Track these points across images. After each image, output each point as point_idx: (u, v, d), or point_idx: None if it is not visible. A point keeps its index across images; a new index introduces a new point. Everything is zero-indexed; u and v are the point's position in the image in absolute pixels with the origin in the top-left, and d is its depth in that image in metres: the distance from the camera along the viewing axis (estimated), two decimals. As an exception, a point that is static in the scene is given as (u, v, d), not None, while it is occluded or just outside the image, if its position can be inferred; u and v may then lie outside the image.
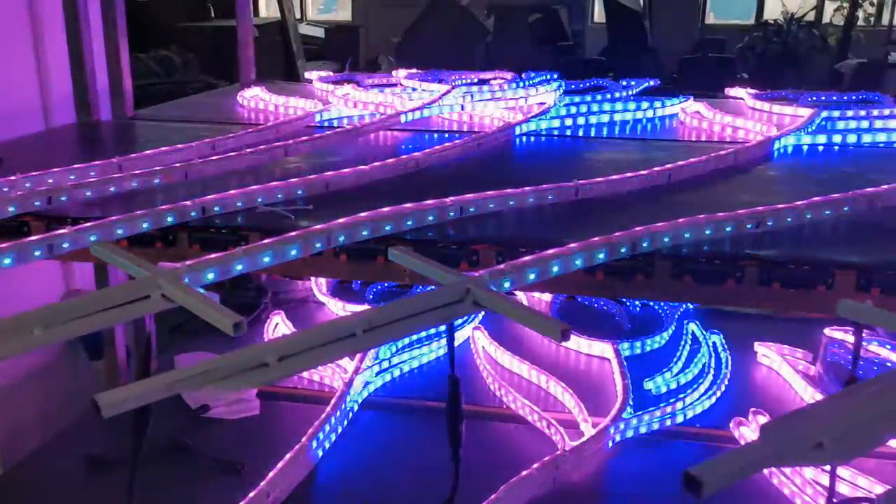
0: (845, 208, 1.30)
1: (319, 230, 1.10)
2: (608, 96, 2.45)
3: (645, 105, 2.40)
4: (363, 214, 1.17)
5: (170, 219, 1.18)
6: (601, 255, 1.09)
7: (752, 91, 2.72)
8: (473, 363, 2.50)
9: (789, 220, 1.26)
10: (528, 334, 2.79)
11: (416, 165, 1.60)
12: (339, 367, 2.32)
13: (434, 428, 2.12)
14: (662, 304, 2.95)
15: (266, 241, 1.05)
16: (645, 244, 1.13)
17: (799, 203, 1.28)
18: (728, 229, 1.21)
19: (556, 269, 1.04)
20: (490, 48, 8.67)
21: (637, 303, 3.02)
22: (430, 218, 1.23)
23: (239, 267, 0.99)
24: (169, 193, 1.34)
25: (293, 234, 1.08)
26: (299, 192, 1.35)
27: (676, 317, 2.80)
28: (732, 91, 2.80)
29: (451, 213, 1.25)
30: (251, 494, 1.67)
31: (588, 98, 2.38)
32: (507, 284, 0.99)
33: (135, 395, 0.74)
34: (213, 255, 0.98)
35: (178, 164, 1.46)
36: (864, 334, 2.50)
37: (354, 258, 1.16)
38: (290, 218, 1.23)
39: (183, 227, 1.20)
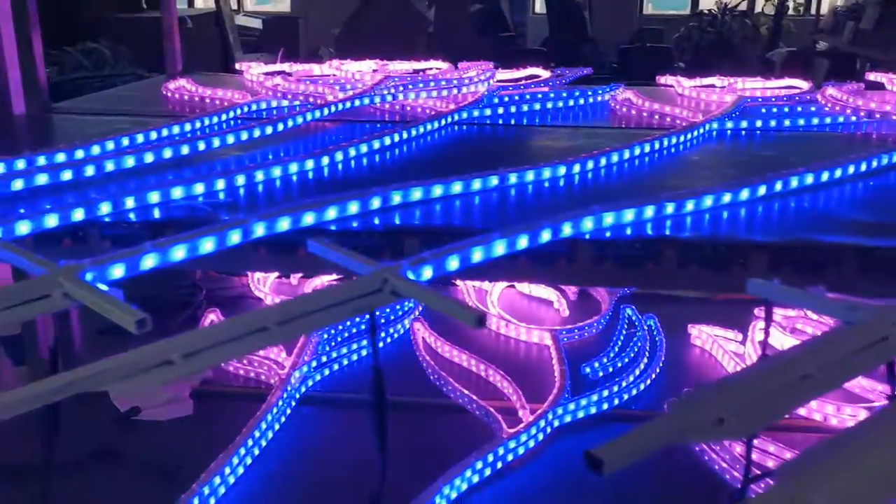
0: (761, 190, 1.33)
1: (236, 223, 1.08)
2: (541, 86, 2.46)
3: (577, 94, 2.42)
4: (283, 206, 1.15)
5: (79, 215, 1.13)
6: (523, 242, 1.10)
7: (683, 79, 2.77)
8: (414, 355, 2.50)
9: (709, 202, 1.28)
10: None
11: (343, 156, 1.58)
12: (276, 364, 2.29)
13: (360, 420, 2.11)
14: (599, 288, 2.99)
15: (178, 235, 1.02)
16: (567, 230, 1.14)
17: (717, 186, 1.30)
18: (649, 213, 1.22)
19: (477, 256, 1.04)
20: (431, 38, 8.65)
21: (575, 289, 3.05)
22: (355, 208, 1.21)
23: (149, 262, 0.96)
24: (79, 189, 1.30)
25: (207, 227, 1.06)
26: (219, 184, 1.31)
27: (613, 302, 2.84)
28: (663, 79, 2.84)
29: (377, 204, 1.24)
30: (183, 496, 1.63)
31: (521, 87, 2.39)
32: (427, 273, 0.98)
33: (30, 396, 0.70)
34: (119, 251, 0.95)
35: (90, 158, 1.41)
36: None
37: (274, 251, 1.14)
38: (208, 211, 1.20)
39: (93, 224, 1.16)
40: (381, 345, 2.55)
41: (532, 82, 2.68)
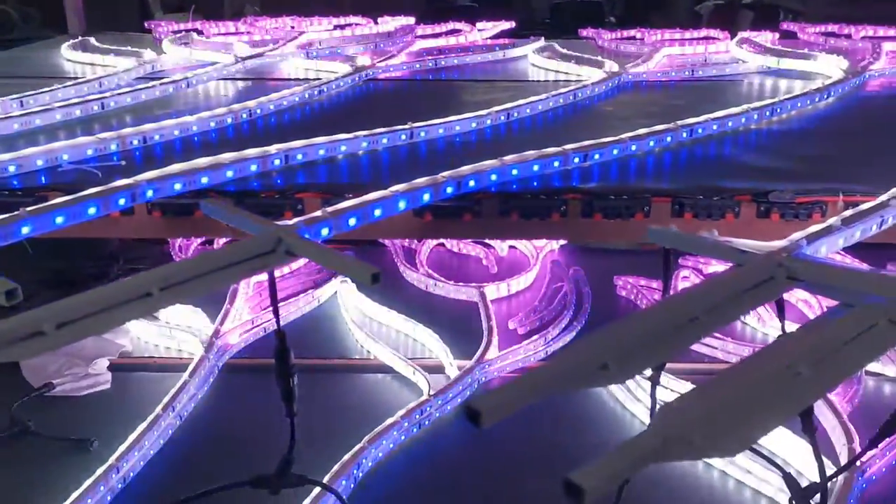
0: (668, 139, 1.34)
1: (123, 185, 1.02)
2: (461, 39, 2.43)
3: (497, 49, 2.40)
4: (175, 166, 1.10)
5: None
6: (426, 196, 1.08)
7: (604, 32, 2.77)
8: (340, 316, 2.47)
9: (615, 152, 1.28)
10: (398, 283, 2.79)
11: (249, 115, 1.52)
12: (198, 333, 2.24)
13: (301, 386, 2.09)
14: (528, 244, 3.01)
15: (59, 199, 0.96)
16: (472, 183, 1.12)
17: (624, 136, 1.30)
18: (556, 164, 1.21)
19: (378, 212, 1.01)
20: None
21: (504, 245, 3.06)
22: (253, 167, 1.17)
23: (25, 230, 0.91)
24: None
25: (92, 190, 1.00)
26: (113, 146, 1.25)
27: (541, 257, 2.86)
28: (585, 32, 2.84)
29: (276, 162, 1.20)
30: (98, 471, 1.59)
31: (441, 42, 2.35)
32: (325, 231, 0.96)
33: None
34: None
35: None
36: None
37: (169, 214, 1.09)
38: (97, 175, 1.14)
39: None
40: (307, 308, 2.52)
41: (454, 37, 2.64)
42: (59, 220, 0.93)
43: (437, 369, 2.08)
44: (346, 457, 1.66)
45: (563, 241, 3.03)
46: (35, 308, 0.73)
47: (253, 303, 2.48)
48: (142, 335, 2.31)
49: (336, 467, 1.61)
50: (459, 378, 1.98)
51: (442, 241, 3.12)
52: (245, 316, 2.38)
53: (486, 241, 3.07)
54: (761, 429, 0.63)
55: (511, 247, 3.09)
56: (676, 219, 1.10)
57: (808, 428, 0.91)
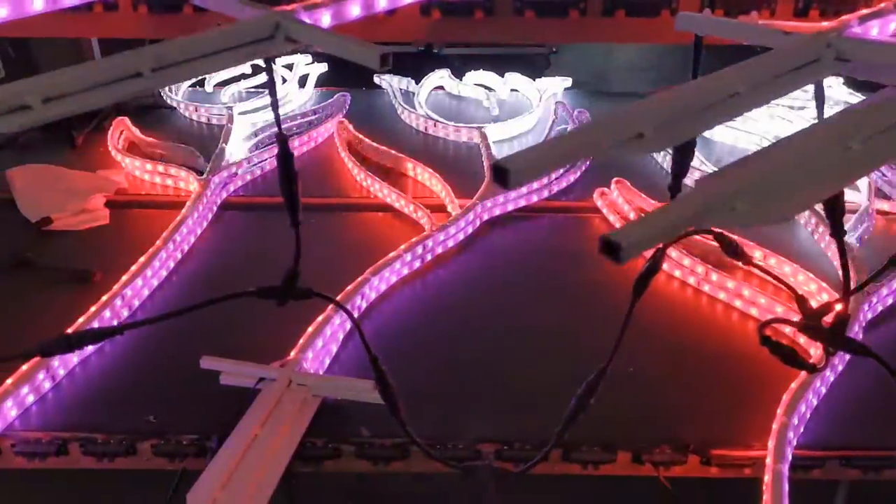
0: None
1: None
2: None
3: None
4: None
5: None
6: (437, -11, 0.99)
7: None
8: (338, 156, 2.41)
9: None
10: (395, 125, 2.71)
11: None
12: (195, 170, 2.19)
13: (284, 223, 2.06)
14: (531, 87, 2.90)
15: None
16: (486, -23, 1.03)
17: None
18: (575, -38, 1.12)
19: (383, 2, 0.93)
20: None
21: (506, 88, 2.96)
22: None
23: (-1, 13, 0.83)
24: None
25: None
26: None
27: (545, 98, 2.77)
28: None
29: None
30: (104, 298, 1.58)
31: None
32: (326, 19, 0.88)
33: None
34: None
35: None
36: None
37: (157, 8, 1.00)
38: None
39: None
40: (304, 148, 2.46)
41: None
42: (36, 4, 0.85)
43: (439, 209, 2.05)
44: (349, 287, 1.65)
45: (567, 85, 2.92)
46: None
47: (248, 142, 2.41)
48: (137, 172, 2.25)
49: (339, 297, 1.60)
50: (461, 215, 1.95)
51: (441, 84, 3.01)
52: (241, 154, 2.32)
53: (488, 83, 2.96)
54: (806, 199, 0.59)
55: (513, 90, 2.99)
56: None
57: (838, 229, 0.88)
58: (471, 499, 1.19)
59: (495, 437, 1.32)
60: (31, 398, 1.35)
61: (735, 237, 1.27)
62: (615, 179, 2.12)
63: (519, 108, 2.79)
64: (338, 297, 1.59)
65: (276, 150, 2.32)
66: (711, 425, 1.34)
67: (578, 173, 2.27)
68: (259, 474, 1.16)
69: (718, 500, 1.30)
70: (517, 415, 1.38)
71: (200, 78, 3.04)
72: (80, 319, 1.51)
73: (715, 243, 1.27)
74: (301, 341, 1.47)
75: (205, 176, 2.11)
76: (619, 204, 2.06)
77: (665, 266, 1.77)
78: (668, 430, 1.32)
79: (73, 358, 1.45)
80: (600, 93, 2.96)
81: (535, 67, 3.26)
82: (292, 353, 1.43)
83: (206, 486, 1.12)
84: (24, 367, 1.35)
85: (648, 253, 1.18)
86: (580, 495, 1.41)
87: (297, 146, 2.44)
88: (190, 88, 2.97)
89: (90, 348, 1.48)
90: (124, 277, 1.65)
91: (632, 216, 1.99)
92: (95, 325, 1.50)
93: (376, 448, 1.32)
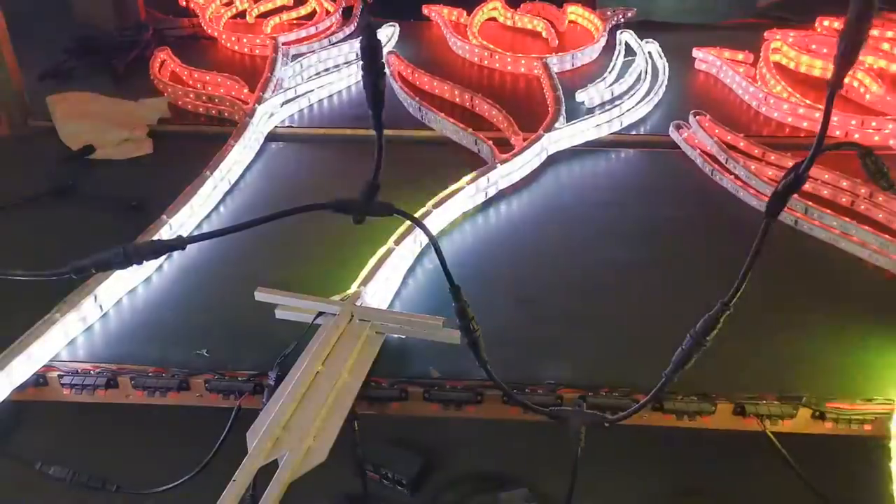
0: None
1: None
2: None
3: None
4: None
5: None
6: None
7: None
8: (390, 88, 2.27)
9: None
10: (446, 57, 2.56)
11: None
12: (239, 100, 2.06)
13: (346, 154, 1.94)
14: (592, 17, 2.72)
15: None
16: None
17: None
18: None
19: None
20: None
21: (564, 20, 2.78)
22: None
23: None
24: None
25: None
26: None
27: (607, 28, 2.59)
28: None
29: None
30: (151, 226, 1.48)
31: None
32: None
33: None
34: None
35: None
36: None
37: None
38: None
39: None
40: (352, 79, 2.31)
41: None
42: None
43: (501, 142, 1.90)
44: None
45: (630, 14, 2.74)
46: None
47: (293, 72, 2.28)
48: (181, 102, 2.14)
49: (400, 229, 1.48)
50: (526, 146, 1.81)
51: (493, 16, 2.84)
52: (287, 84, 2.19)
53: (544, 14, 2.78)
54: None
55: (571, 21, 2.81)
56: None
57: None
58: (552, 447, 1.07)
59: (576, 383, 1.19)
60: (77, 328, 1.25)
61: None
62: (694, 112, 1.95)
63: (578, 38, 2.62)
64: (399, 230, 1.47)
65: (329, 77, 2.23)
66: (825, 376, 1.20)
67: (651, 105, 2.10)
68: (322, 414, 1.06)
69: (833, 460, 1.16)
70: (598, 358, 1.26)
71: (242, 9, 2.91)
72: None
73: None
74: (362, 273, 1.35)
75: (251, 106, 1.98)
76: (699, 138, 1.89)
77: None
78: (775, 381, 1.18)
79: (120, 287, 1.35)
80: (664, 24, 2.75)
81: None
82: (353, 287, 1.32)
83: (267, 424, 1.01)
84: (71, 295, 1.26)
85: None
86: (672, 449, 1.29)
87: (345, 76, 2.30)
88: (231, 20, 2.84)
89: (142, 272, 1.38)
90: (171, 206, 1.54)
91: (715, 151, 1.82)
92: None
93: (447, 391, 1.20)
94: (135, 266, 0.92)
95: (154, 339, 1.28)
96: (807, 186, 1.67)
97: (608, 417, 1.01)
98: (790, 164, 1.69)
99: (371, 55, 0.85)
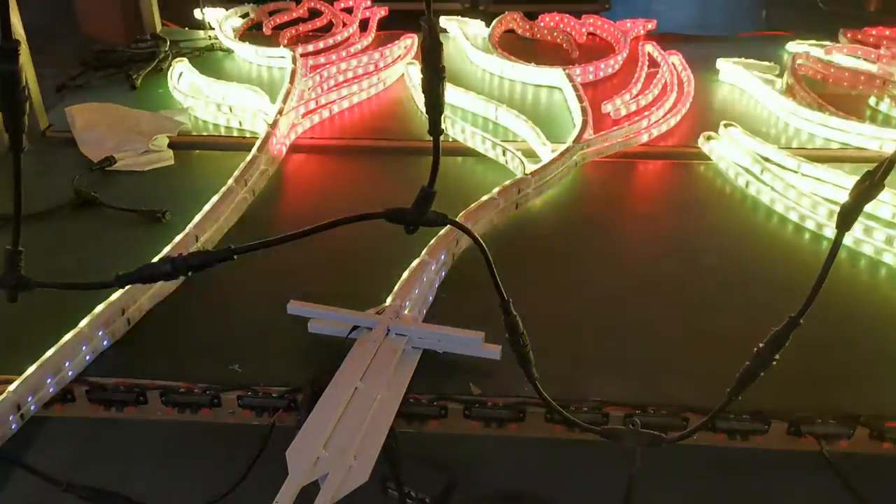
0: None
1: None
2: None
3: None
4: None
5: None
6: None
7: None
8: (411, 99, 2.25)
9: None
10: (465, 68, 2.53)
11: None
12: (261, 112, 2.03)
13: (371, 164, 1.91)
14: (613, 29, 2.70)
15: None
16: None
17: None
18: None
19: None
20: None
21: (585, 32, 2.76)
22: None
23: None
24: None
25: None
26: None
27: (628, 40, 2.56)
28: None
29: None
30: (178, 238, 1.44)
31: None
32: None
33: None
34: None
35: None
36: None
37: None
38: None
39: None
40: (372, 90, 2.29)
41: None
42: None
43: (527, 153, 1.86)
44: (442, 232, 1.48)
45: (651, 26, 2.72)
46: None
47: (313, 83, 2.25)
48: (200, 113, 2.11)
49: (433, 241, 1.44)
50: (558, 158, 1.77)
51: (511, 27, 2.82)
52: (307, 95, 2.16)
53: (563, 26, 2.77)
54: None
55: (590, 34, 2.79)
56: None
57: None
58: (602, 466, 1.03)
59: (622, 401, 1.15)
60: (105, 342, 1.21)
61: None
62: (724, 123, 1.92)
63: (598, 51, 2.59)
64: (430, 243, 1.43)
65: (345, 91, 2.20)
66: (884, 393, 1.16)
67: (679, 116, 2.07)
68: (362, 432, 1.01)
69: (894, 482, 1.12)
70: (643, 375, 1.22)
71: (258, 21, 2.89)
72: (155, 259, 1.37)
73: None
74: (397, 287, 1.31)
75: (273, 117, 1.95)
76: (730, 149, 1.86)
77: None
78: (831, 399, 1.14)
79: (147, 301, 1.31)
80: (682, 35, 2.74)
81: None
82: (388, 300, 1.28)
83: (307, 442, 0.97)
84: (100, 308, 1.22)
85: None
86: (727, 469, 1.25)
87: (366, 87, 2.28)
88: (247, 32, 2.83)
89: (169, 286, 1.34)
90: (197, 217, 1.51)
91: (748, 161, 1.79)
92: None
93: (488, 408, 1.16)
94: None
95: (183, 354, 1.24)
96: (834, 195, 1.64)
97: (665, 437, 0.97)
98: (824, 174, 1.70)
99: (432, 57, 0.82)
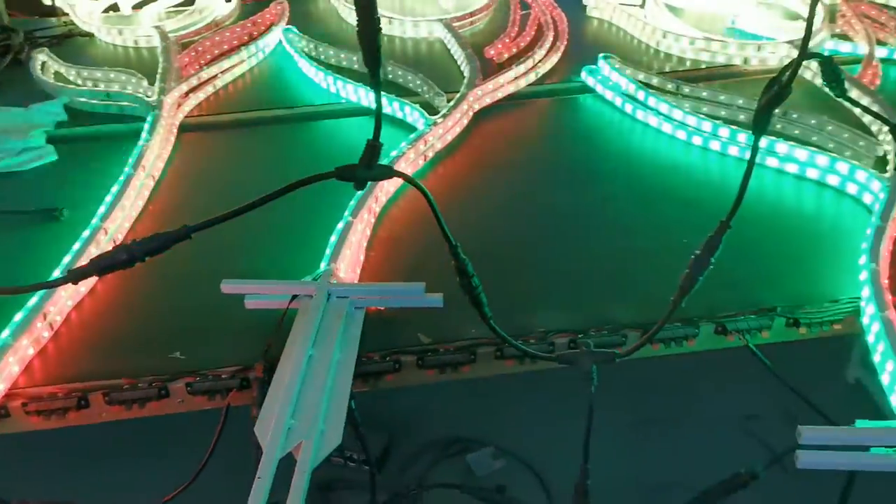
0: None
1: None
2: None
3: None
4: None
5: None
6: None
7: None
8: (294, 65, 2.20)
9: None
10: (342, 27, 2.50)
11: None
12: (142, 94, 1.93)
13: (265, 136, 1.86)
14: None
15: None
16: None
17: None
18: None
19: None
20: None
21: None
22: None
23: None
24: None
25: None
26: None
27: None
28: None
29: None
30: (87, 233, 1.37)
31: None
32: None
33: None
34: None
35: None
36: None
37: None
38: None
39: None
40: (253, 60, 2.22)
41: None
42: None
43: (424, 105, 1.87)
44: (361, 192, 1.48)
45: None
46: None
47: (189, 59, 2.16)
48: (76, 104, 1.98)
49: (353, 203, 1.44)
50: (454, 107, 1.80)
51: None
52: (189, 71, 2.07)
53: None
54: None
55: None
56: None
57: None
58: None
59: (565, 327, 1.21)
60: (31, 350, 1.15)
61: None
62: (603, 55, 2.00)
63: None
64: (350, 204, 1.43)
65: (226, 65, 2.12)
66: (792, 286, 1.27)
67: (559, 54, 2.14)
68: (327, 397, 1.02)
69: (811, 364, 1.23)
70: (573, 301, 1.28)
71: (113, 2, 2.72)
72: (66, 259, 1.30)
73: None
74: (328, 251, 1.31)
75: (155, 98, 1.87)
76: (614, 78, 1.94)
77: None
78: (748, 297, 1.24)
79: (67, 301, 1.25)
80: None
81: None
82: (321, 265, 1.28)
83: (274, 416, 0.97)
84: (19, 316, 1.15)
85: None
86: (665, 375, 1.34)
87: (246, 58, 2.21)
88: (104, 14, 2.65)
89: (85, 284, 1.28)
90: (101, 210, 1.44)
91: (632, 89, 1.88)
92: (83, 262, 1.29)
93: (440, 354, 1.19)
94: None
95: (118, 351, 1.19)
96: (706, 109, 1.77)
97: (617, 353, 1.03)
98: (704, 94, 1.81)
99: (366, 13, 0.81)
